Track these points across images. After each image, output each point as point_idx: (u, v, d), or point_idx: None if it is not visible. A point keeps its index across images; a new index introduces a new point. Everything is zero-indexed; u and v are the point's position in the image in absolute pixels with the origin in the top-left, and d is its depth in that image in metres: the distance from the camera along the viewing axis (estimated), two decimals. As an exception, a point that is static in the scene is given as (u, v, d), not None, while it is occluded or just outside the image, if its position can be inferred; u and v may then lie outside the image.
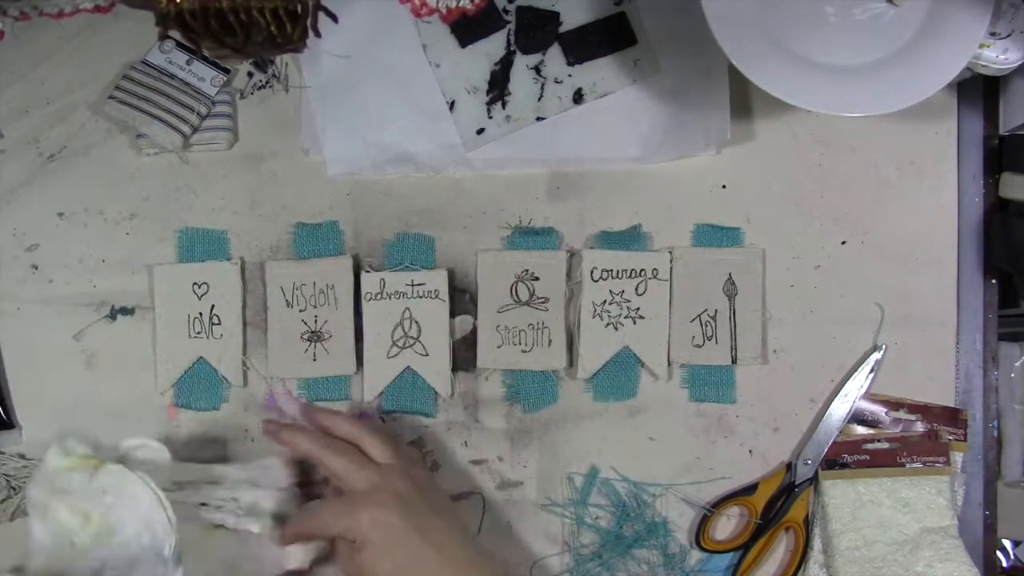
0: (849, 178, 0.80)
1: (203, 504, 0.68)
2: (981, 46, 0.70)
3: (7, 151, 0.81)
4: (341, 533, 0.66)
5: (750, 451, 0.79)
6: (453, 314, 0.79)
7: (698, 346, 0.78)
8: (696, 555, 0.78)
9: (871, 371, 0.77)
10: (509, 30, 0.80)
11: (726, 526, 0.79)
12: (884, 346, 0.78)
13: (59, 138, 0.81)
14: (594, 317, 0.78)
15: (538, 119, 0.80)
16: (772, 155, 0.80)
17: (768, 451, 0.79)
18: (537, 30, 0.80)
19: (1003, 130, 0.79)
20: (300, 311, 0.78)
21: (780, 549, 0.78)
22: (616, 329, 0.78)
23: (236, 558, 0.67)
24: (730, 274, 0.79)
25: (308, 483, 0.73)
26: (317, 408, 0.76)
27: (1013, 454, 0.82)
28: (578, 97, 0.80)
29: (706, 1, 0.68)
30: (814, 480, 0.77)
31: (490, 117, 0.80)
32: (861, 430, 0.78)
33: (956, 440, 0.77)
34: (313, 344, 0.78)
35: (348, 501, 0.67)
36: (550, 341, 0.78)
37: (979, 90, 0.80)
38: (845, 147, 0.80)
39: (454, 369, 0.79)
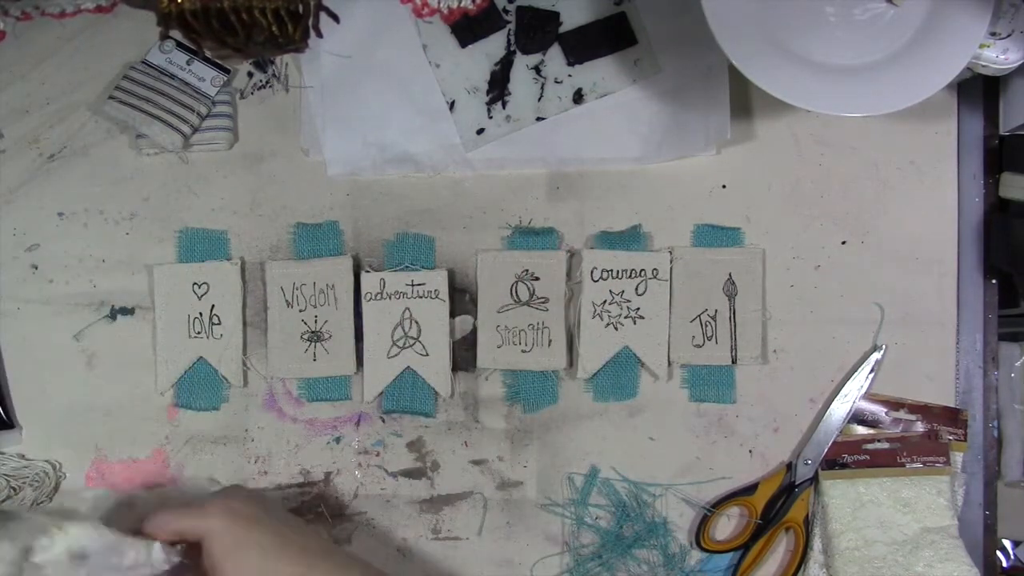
0: (849, 178, 0.80)
1: None
2: (981, 46, 0.70)
3: (7, 151, 0.81)
4: (190, 529, 0.63)
5: (750, 451, 0.79)
6: (453, 314, 0.79)
7: (698, 346, 0.78)
8: (696, 555, 0.78)
9: (871, 371, 0.77)
10: (509, 30, 0.80)
11: (726, 526, 0.79)
12: (884, 346, 0.78)
13: (59, 138, 0.81)
14: (594, 317, 0.78)
15: (538, 119, 0.80)
16: (772, 155, 0.80)
17: (768, 451, 0.78)
18: (537, 30, 0.80)
19: (1003, 130, 0.79)
20: (300, 311, 0.78)
21: (780, 549, 0.78)
22: (616, 329, 0.78)
23: None
24: (730, 274, 0.79)
25: None
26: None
27: (1013, 454, 0.82)
28: (578, 97, 0.80)
29: (706, 1, 0.68)
30: (814, 480, 0.77)
31: (490, 117, 0.80)
32: (861, 430, 0.78)
33: (956, 440, 0.77)
34: (313, 344, 0.78)
35: (198, 502, 0.65)
36: (550, 341, 0.78)
37: (979, 90, 0.80)
38: (845, 147, 0.80)
39: (454, 369, 0.79)
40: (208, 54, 0.69)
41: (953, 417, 0.77)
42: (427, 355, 0.78)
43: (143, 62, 0.80)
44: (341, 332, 0.78)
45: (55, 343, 0.79)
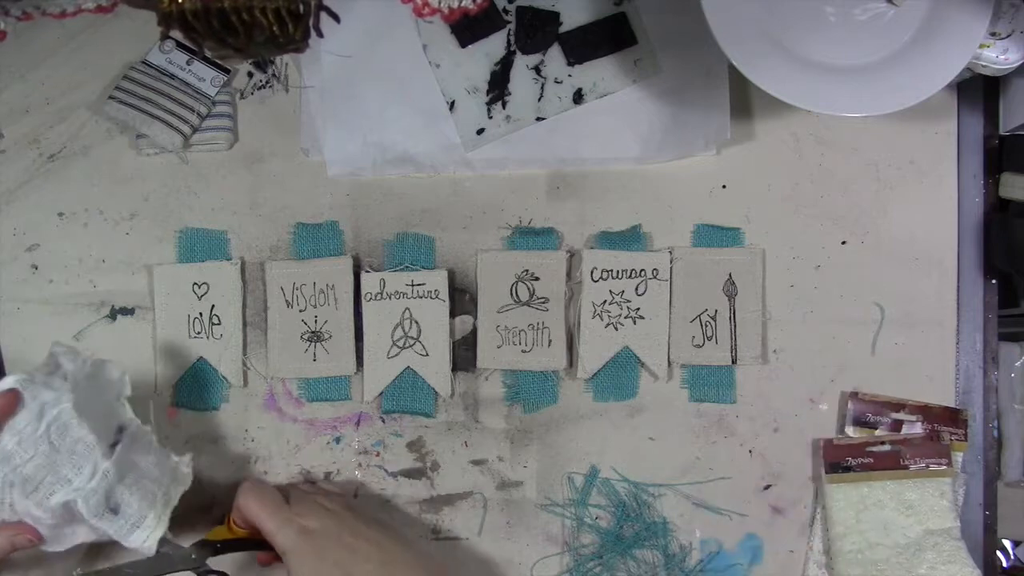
0: (849, 178, 0.80)
1: None
2: (981, 46, 0.70)
3: (7, 151, 0.81)
4: (267, 534, 0.66)
5: (750, 451, 0.79)
6: (453, 314, 0.79)
7: (698, 346, 0.78)
8: (696, 555, 0.78)
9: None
10: (509, 30, 0.80)
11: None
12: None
13: (59, 138, 0.81)
14: (594, 317, 0.78)
15: (538, 119, 0.80)
16: (772, 155, 0.80)
17: (768, 451, 0.78)
18: (537, 30, 0.80)
19: (1003, 130, 0.80)
20: (300, 311, 0.78)
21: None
22: (616, 329, 0.78)
23: None
24: (730, 274, 0.79)
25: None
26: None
27: (1013, 454, 0.82)
28: (578, 97, 0.80)
29: (706, 1, 0.68)
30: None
31: (490, 117, 0.80)
32: (863, 432, 0.78)
33: (956, 440, 0.77)
34: (313, 344, 0.78)
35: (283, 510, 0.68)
36: (550, 341, 0.78)
37: (979, 90, 0.80)
38: (845, 147, 0.80)
39: (454, 369, 0.79)
40: (208, 54, 0.69)
41: (953, 417, 0.77)
42: (427, 355, 0.78)
43: (143, 62, 0.80)
44: (341, 332, 0.78)
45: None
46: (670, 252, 0.79)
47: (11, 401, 0.61)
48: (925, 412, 0.77)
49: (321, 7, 0.66)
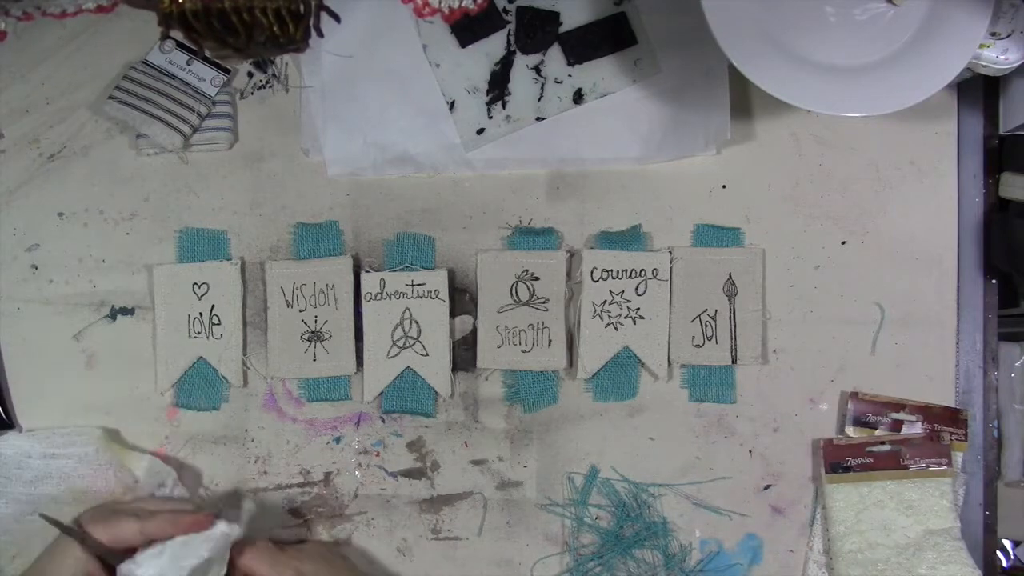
0: (849, 178, 0.80)
1: None
2: (981, 46, 0.70)
3: (7, 151, 0.81)
4: None
5: (750, 451, 0.79)
6: (453, 314, 0.79)
7: (698, 346, 0.78)
8: (696, 555, 0.78)
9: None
10: (509, 30, 0.80)
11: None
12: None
13: (59, 138, 0.81)
14: (594, 317, 0.78)
15: (538, 119, 0.80)
16: (772, 155, 0.80)
17: (768, 451, 0.78)
18: (537, 30, 0.80)
19: (1003, 130, 0.80)
20: (300, 311, 0.78)
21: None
22: (616, 329, 0.78)
23: None
24: (730, 274, 0.79)
25: None
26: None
27: (1013, 454, 0.82)
28: (578, 97, 0.80)
29: (706, 1, 0.68)
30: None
31: (490, 117, 0.80)
32: (863, 432, 0.78)
33: (956, 440, 0.77)
34: (313, 344, 0.78)
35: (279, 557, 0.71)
36: (550, 341, 0.78)
37: (979, 90, 0.80)
38: (845, 147, 0.80)
39: (454, 369, 0.79)
40: (208, 54, 0.69)
41: (953, 417, 0.77)
42: (427, 355, 0.78)
43: (143, 62, 0.80)
44: (341, 332, 0.78)
45: (55, 343, 0.79)
46: (670, 252, 0.79)
47: (205, 523, 0.66)
48: (925, 412, 0.77)
49: (321, 7, 0.66)
